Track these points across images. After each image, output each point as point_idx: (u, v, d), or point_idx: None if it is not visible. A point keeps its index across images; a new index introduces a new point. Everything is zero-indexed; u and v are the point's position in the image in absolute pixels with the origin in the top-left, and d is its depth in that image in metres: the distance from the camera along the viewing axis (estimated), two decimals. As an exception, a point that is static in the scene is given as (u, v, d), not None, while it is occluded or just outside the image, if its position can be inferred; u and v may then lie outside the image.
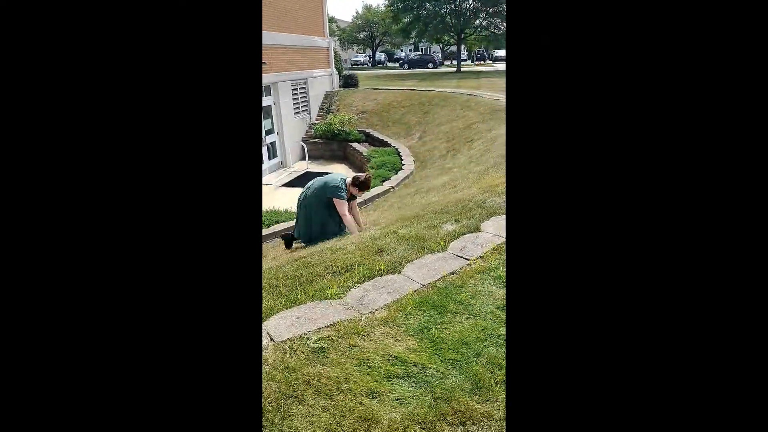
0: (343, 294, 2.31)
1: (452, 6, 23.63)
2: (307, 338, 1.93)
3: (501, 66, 27.50)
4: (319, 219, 4.13)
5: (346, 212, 4.06)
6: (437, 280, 2.42)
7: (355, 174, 4.29)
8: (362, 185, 4.20)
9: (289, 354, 1.82)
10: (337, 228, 4.17)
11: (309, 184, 4.31)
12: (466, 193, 4.44)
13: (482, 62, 35.06)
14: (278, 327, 2.02)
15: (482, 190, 4.34)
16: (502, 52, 30.48)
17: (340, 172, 4.37)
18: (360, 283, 2.43)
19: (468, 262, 2.61)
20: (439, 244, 2.86)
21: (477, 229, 3.07)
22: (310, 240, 4.17)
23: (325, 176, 4.25)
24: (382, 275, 2.51)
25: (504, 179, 4.25)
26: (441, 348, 1.84)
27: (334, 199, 4.03)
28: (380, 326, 2.00)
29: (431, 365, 1.74)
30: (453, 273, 2.50)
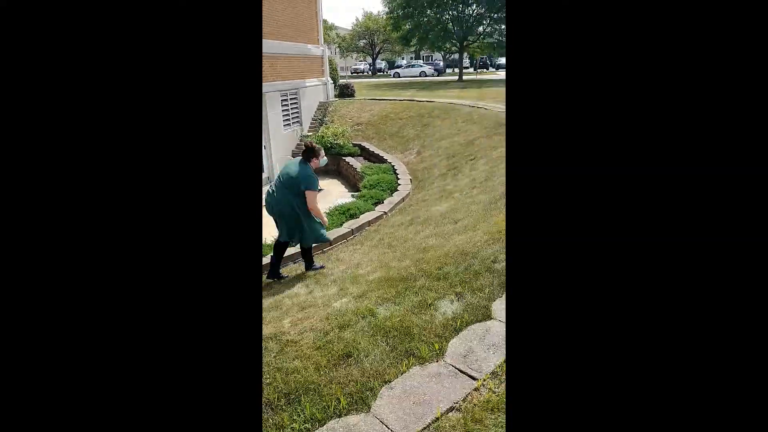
0: (270, 465, 1.41)
1: (454, 13, 22.75)
2: None
3: (504, 74, 26.64)
4: (295, 213, 3.83)
5: (316, 204, 3.86)
6: (425, 427, 1.52)
7: (305, 152, 3.98)
8: (316, 155, 3.97)
9: None
10: (309, 219, 3.92)
11: (276, 177, 3.97)
12: (470, 239, 3.54)
13: (485, 70, 34.08)
14: None
15: (490, 235, 3.44)
16: (505, 60, 29.57)
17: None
18: (302, 435, 1.53)
19: (475, 384, 1.71)
20: (433, 346, 1.96)
21: (487, 315, 2.17)
22: (294, 237, 3.97)
23: (286, 168, 3.94)
24: (340, 415, 1.60)
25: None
26: None
27: (308, 192, 3.78)
28: None
29: None
30: (452, 409, 1.60)
